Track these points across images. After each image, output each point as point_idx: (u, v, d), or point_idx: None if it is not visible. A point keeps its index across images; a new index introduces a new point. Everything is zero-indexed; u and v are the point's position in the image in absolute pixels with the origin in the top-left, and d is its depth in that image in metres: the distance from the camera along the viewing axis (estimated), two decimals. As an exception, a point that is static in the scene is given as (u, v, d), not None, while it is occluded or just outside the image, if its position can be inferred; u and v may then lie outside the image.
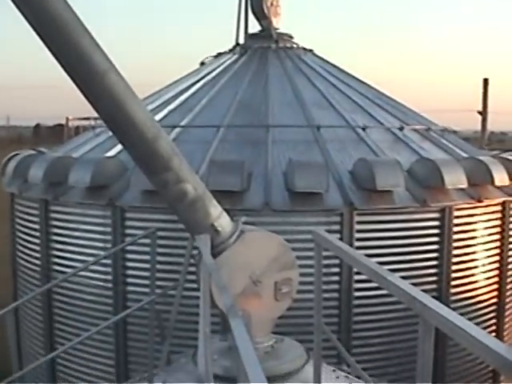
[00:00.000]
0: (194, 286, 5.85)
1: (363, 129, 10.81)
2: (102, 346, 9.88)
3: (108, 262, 9.55)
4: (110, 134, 10.27)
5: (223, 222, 5.59)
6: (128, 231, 9.39)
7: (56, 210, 10.31)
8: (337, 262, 8.95)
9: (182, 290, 6.41)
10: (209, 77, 12.93)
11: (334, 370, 6.22)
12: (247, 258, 5.60)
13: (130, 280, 9.51)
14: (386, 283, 3.59)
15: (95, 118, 12.70)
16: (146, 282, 6.55)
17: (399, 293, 3.41)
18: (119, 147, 10.17)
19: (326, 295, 8.91)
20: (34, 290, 10.03)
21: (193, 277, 6.10)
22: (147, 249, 6.45)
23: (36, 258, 10.65)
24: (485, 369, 10.69)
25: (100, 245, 9.66)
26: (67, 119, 17.74)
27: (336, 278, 9.03)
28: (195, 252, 5.96)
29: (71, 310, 10.14)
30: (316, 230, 4.97)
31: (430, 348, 3.22)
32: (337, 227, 8.88)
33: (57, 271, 10.18)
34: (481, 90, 27.02)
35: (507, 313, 11.06)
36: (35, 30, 4.00)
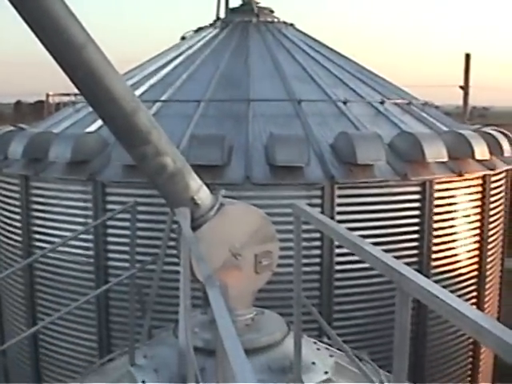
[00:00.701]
0: (175, 259, 5.84)
1: (344, 103, 10.81)
2: (85, 322, 9.89)
3: (89, 237, 9.55)
4: (91, 109, 10.18)
5: (203, 195, 5.57)
6: (109, 206, 9.36)
7: (36, 185, 10.27)
8: (318, 235, 8.98)
9: (163, 263, 6.40)
10: (189, 51, 12.87)
11: (314, 343, 6.25)
12: (227, 231, 5.60)
13: (111, 255, 9.51)
14: (363, 254, 3.60)
15: (75, 94, 12.63)
16: (127, 256, 6.54)
17: (377, 263, 3.42)
18: (100, 122, 10.11)
19: (308, 269, 8.95)
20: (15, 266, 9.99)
21: (173, 251, 6.10)
22: (128, 224, 6.43)
23: (17, 234, 10.61)
24: (465, 341, 10.79)
25: (81, 220, 9.64)
26: (47, 95, 17.66)
27: (317, 252, 9.07)
28: (175, 225, 5.95)
29: (53, 285, 10.13)
30: (295, 202, 4.97)
31: (407, 318, 3.23)
32: (318, 201, 8.90)
33: (38, 247, 10.14)
34: (463, 65, 27.09)
35: (487, 285, 11.15)
36: (10, 1, 3.96)
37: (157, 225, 8.63)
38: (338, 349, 6.21)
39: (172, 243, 6.32)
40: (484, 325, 2.53)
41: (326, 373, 5.61)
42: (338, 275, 9.20)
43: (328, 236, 8.61)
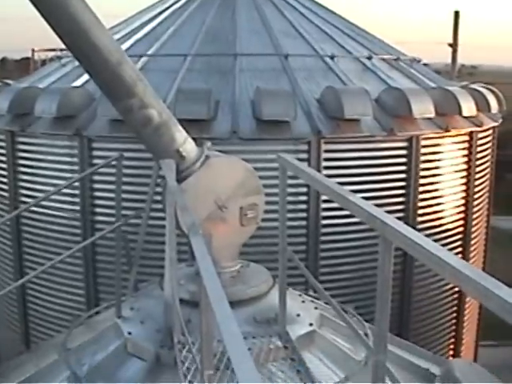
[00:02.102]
0: (161, 214, 5.85)
1: (331, 58, 10.76)
2: (72, 276, 9.92)
3: (75, 192, 9.53)
4: (77, 63, 10.11)
5: (188, 148, 5.58)
6: (95, 161, 9.32)
7: (23, 141, 10.21)
8: (304, 190, 9.00)
9: (148, 216, 6.42)
10: (176, 5, 12.72)
11: (299, 295, 6.30)
12: (212, 183, 5.61)
13: (97, 210, 9.51)
14: (347, 203, 3.61)
15: (61, 49, 12.51)
16: (114, 211, 6.54)
17: (360, 212, 3.44)
18: (86, 77, 10.04)
19: (294, 223, 8.98)
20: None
21: (159, 205, 6.12)
22: (114, 178, 6.43)
23: (3, 190, 10.58)
24: (450, 296, 10.90)
25: (67, 175, 9.59)
26: (33, 51, 17.48)
27: (304, 207, 9.10)
28: (161, 178, 5.95)
29: (40, 240, 10.13)
30: (280, 154, 4.97)
31: (390, 266, 3.26)
32: (304, 156, 8.89)
33: (24, 202, 10.11)
34: (452, 23, 26.92)
35: (473, 242, 11.22)
36: None
37: (143, 179, 8.61)
38: (323, 302, 6.26)
39: (158, 197, 6.34)
40: (465, 271, 2.55)
41: (311, 325, 5.66)
42: (325, 230, 9.23)
43: (314, 190, 8.72)
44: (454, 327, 11.21)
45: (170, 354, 5.13)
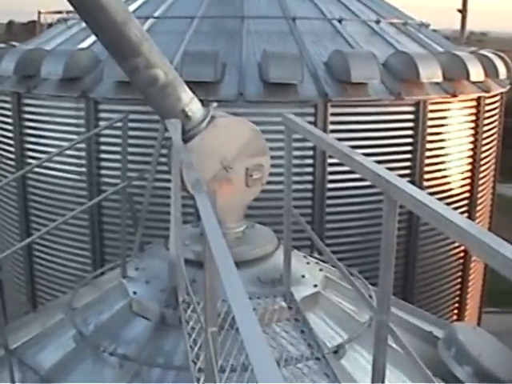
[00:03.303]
0: (166, 176, 5.85)
1: (339, 21, 10.68)
2: (78, 238, 9.97)
3: (82, 154, 9.53)
4: (83, 25, 10.15)
5: (194, 108, 5.57)
6: (101, 123, 9.31)
7: (29, 103, 10.19)
8: (311, 153, 8.99)
9: (154, 176, 6.43)
10: (183, -33, 12.61)
11: (304, 257, 6.31)
12: (218, 144, 5.60)
13: (103, 172, 9.51)
14: (352, 163, 3.60)
15: (68, 12, 12.44)
16: (120, 172, 6.55)
17: (365, 172, 3.42)
18: (92, 39, 10.02)
19: (300, 186, 8.99)
20: (8, 183, 9.99)
21: (165, 167, 6.12)
22: (120, 140, 6.43)
23: (9, 152, 10.58)
24: (455, 261, 10.92)
25: (73, 137, 9.58)
26: (39, 13, 17.39)
27: (310, 170, 9.08)
28: (167, 139, 5.95)
29: (46, 202, 10.16)
30: (286, 114, 4.95)
31: (394, 225, 3.26)
32: (311, 119, 8.84)
33: (31, 164, 10.12)
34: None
35: (478, 208, 11.21)
36: None
37: (149, 141, 8.61)
38: (328, 264, 6.28)
39: (164, 159, 6.34)
40: (469, 230, 2.55)
41: (316, 286, 5.68)
42: (330, 194, 9.23)
43: (320, 154, 8.71)
44: (458, 292, 11.25)
45: (175, 314, 5.16)
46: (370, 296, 5.61)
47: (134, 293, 5.63)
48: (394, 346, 4.59)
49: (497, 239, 2.48)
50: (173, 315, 5.20)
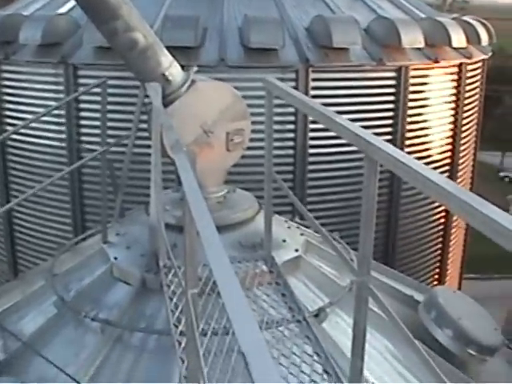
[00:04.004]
0: (147, 140, 5.82)
1: (321, -14, 10.59)
2: (58, 205, 9.92)
3: (61, 120, 9.45)
4: (62, -11, 10.04)
5: (174, 72, 5.53)
6: (81, 89, 9.20)
7: (7, 69, 10.07)
8: (292, 119, 8.97)
9: (134, 142, 6.39)
10: None
11: (285, 221, 6.32)
12: (198, 108, 5.57)
13: (83, 138, 9.45)
14: (332, 124, 3.58)
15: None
16: (100, 139, 6.50)
17: (345, 133, 3.41)
18: (71, 3, 9.88)
19: (281, 152, 8.97)
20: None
21: (145, 134, 6.09)
22: (99, 106, 6.37)
23: (-12, 119, 10.48)
24: (436, 227, 10.98)
25: (53, 104, 9.47)
26: (17, -22, 17.11)
27: (291, 135, 9.06)
28: (147, 104, 5.92)
29: (26, 170, 10.08)
30: (267, 77, 4.92)
31: (375, 186, 3.24)
32: (292, 84, 8.78)
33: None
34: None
35: (459, 174, 11.25)
36: None
37: (129, 107, 8.53)
38: (309, 229, 6.29)
39: (144, 125, 6.31)
40: (450, 189, 2.55)
41: (297, 250, 5.69)
42: (312, 158, 9.22)
43: (301, 119, 8.69)
44: (438, 258, 11.32)
45: (156, 279, 5.16)
46: (352, 260, 5.62)
47: (115, 258, 5.62)
48: (375, 309, 4.63)
49: (477, 198, 2.47)
50: (154, 280, 5.20)
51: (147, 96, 5.45)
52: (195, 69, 5.76)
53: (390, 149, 3.02)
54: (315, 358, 4.34)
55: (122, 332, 5.06)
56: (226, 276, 2.09)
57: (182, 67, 5.73)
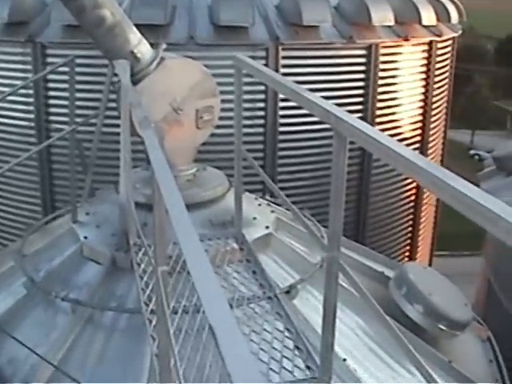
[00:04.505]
0: (116, 120, 5.77)
1: (291, -37, 10.53)
2: (27, 185, 9.81)
3: (29, 100, 9.35)
4: (27, -34, 9.86)
5: (143, 49, 5.50)
6: (49, 69, 9.11)
7: (-27, 47, 9.91)
8: (262, 97, 8.94)
9: (103, 121, 6.34)
10: None
11: (256, 199, 6.31)
12: (168, 85, 5.54)
13: (52, 118, 9.35)
14: (302, 100, 3.58)
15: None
16: (69, 119, 6.44)
17: (315, 108, 3.40)
18: (38, -19, 9.75)
19: (252, 130, 8.95)
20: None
21: (114, 113, 6.04)
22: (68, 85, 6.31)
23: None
24: (407, 204, 11.04)
25: (20, 83, 9.38)
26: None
27: (261, 114, 9.04)
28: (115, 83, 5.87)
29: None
30: (237, 55, 4.89)
31: (344, 161, 3.25)
32: (262, 62, 8.73)
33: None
34: None
35: (429, 151, 11.30)
36: None
37: (97, 86, 8.45)
38: (279, 206, 6.30)
39: (113, 105, 6.26)
40: (419, 163, 2.55)
41: (267, 227, 5.69)
42: (282, 137, 9.21)
43: (272, 98, 8.67)
44: (409, 235, 11.39)
45: (126, 257, 5.15)
46: (322, 237, 5.63)
47: (85, 237, 5.59)
48: (346, 286, 4.65)
49: (446, 172, 2.48)
50: (124, 259, 5.19)
51: (116, 75, 5.41)
52: (164, 46, 5.73)
53: (359, 124, 3.02)
54: (286, 334, 4.36)
55: (92, 312, 5.04)
56: (195, 254, 2.08)
57: (152, 45, 5.70)
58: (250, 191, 6.50)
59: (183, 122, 5.62)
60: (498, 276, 9.00)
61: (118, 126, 5.17)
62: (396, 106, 10.23)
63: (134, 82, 5.36)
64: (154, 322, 4.01)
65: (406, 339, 3.06)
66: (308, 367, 4.02)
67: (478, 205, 2.17)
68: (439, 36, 10.66)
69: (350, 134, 3.03)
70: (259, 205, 6.17)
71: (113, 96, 6.26)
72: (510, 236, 2.04)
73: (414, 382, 4.85)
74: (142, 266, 4.72)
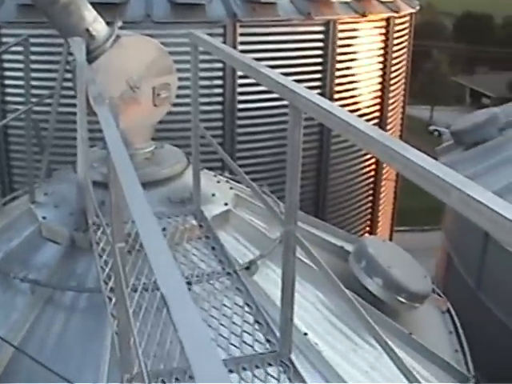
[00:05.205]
0: (72, 99, 5.71)
1: None
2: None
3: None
4: None
5: (98, 27, 5.44)
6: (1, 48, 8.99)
7: None
8: (220, 74, 8.91)
9: (59, 100, 6.27)
10: None
11: (214, 176, 6.30)
12: (124, 63, 5.49)
13: (8, 98, 9.25)
14: (258, 75, 3.57)
15: None
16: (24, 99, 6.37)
17: (271, 83, 3.40)
18: (-10, -40, 9.60)
19: (210, 108, 8.93)
20: None
21: (70, 92, 5.97)
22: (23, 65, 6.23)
23: None
24: (367, 179, 11.11)
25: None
26: None
27: (219, 91, 9.02)
28: (71, 59, 5.80)
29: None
30: (193, 31, 4.88)
31: (300, 135, 3.26)
32: (220, 39, 8.74)
33: None
34: None
35: (388, 127, 11.38)
36: None
37: (53, 65, 8.36)
38: (238, 182, 6.30)
39: (69, 84, 6.19)
40: (372, 134, 2.57)
41: (226, 204, 5.69)
42: (241, 114, 9.20)
43: (230, 75, 8.65)
44: (370, 211, 11.48)
45: (85, 237, 5.11)
46: (282, 213, 5.65)
47: (44, 218, 5.54)
48: (306, 261, 4.68)
49: (399, 143, 2.50)
50: (83, 238, 5.15)
51: (71, 54, 5.35)
52: (120, 23, 5.67)
53: (314, 97, 3.03)
54: (246, 309, 4.37)
55: (52, 292, 5.00)
56: (150, 231, 2.08)
57: (108, 24, 5.65)
58: (211, 169, 6.49)
59: (140, 100, 5.58)
60: (456, 249, 9.11)
61: (74, 105, 5.12)
62: (354, 82, 10.28)
63: (90, 61, 5.30)
64: (113, 300, 4.00)
65: (366, 312, 3.09)
66: (268, 341, 4.04)
67: (430, 174, 2.20)
68: (397, 12, 10.72)
69: (305, 108, 3.04)
70: (218, 182, 6.17)
71: (69, 75, 6.18)
72: (462, 205, 2.07)
73: (374, 354, 4.90)
74: (101, 244, 4.71)
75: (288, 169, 3.34)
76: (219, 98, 9.05)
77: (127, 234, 3.93)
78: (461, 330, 6.16)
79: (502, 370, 7.34)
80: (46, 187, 6.09)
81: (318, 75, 9.67)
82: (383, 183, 11.62)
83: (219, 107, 9.09)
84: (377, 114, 10.90)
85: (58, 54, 7.56)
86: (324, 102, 2.94)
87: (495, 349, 7.42)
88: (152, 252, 1.93)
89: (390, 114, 11.32)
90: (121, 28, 5.73)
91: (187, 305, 1.57)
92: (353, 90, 10.26)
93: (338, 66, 9.82)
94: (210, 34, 8.34)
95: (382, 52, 10.74)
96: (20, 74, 8.30)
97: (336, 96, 9.87)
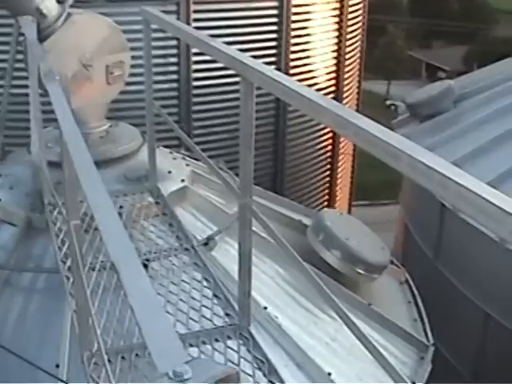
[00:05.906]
0: (24, 80, 5.65)
1: None
2: None
3: None
4: None
5: (49, 5, 5.38)
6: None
7: None
8: (175, 51, 8.85)
9: (11, 82, 6.20)
10: None
11: (170, 153, 6.30)
12: (76, 41, 5.44)
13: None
14: (210, 49, 3.58)
15: None
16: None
17: (222, 56, 3.41)
18: None
19: (165, 86, 8.88)
20: None
21: (23, 73, 5.91)
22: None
23: None
24: (324, 154, 11.17)
25: None
26: None
27: (174, 68, 8.96)
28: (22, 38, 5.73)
29: None
30: (145, 7, 4.85)
31: (252, 108, 3.27)
32: (174, 17, 8.67)
33: None
34: None
35: (345, 101, 11.42)
36: None
37: (2, 46, 8.23)
38: (195, 159, 6.30)
39: (21, 64, 6.12)
40: (321, 103, 2.59)
41: (183, 181, 5.69)
42: (197, 91, 9.15)
43: (184, 49, 8.60)
44: (327, 185, 11.53)
45: (42, 217, 5.08)
46: (239, 188, 5.66)
47: (-1, 200, 5.49)
48: (264, 235, 4.71)
49: (349, 111, 2.53)
50: (39, 219, 5.12)
51: (22, 34, 5.29)
52: (71, 1, 5.61)
53: (266, 69, 3.04)
54: (205, 283, 4.40)
55: (10, 274, 4.97)
56: (103, 209, 2.08)
57: (59, 2, 5.58)
58: (168, 147, 6.48)
59: (93, 78, 5.54)
60: (414, 220, 9.23)
61: (27, 86, 5.07)
62: (309, 56, 10.26)
63: (42, 40, 5.26)
64: (71, 280, 3.99)
65: (325, 284, 3.13)
66: (227, 314, 4.07)
67: (380, 141, 2.23)
68: (351, -14, 10.72)
69: (256, 79, 3.05)
70: (174, 159, 6.16)
71: (20, 55, 6.10)
72: (411, 169, 2.10)
73: (334, 325, 4.95)
74: (58, 224, 4.69)
75: (241, 141, 3.36)
76: (174, 76, 9.00)
77: (84, 213, 3.93)
78: (419, 300, 6.24)
79: (460, 337, 7.47)
80: (0, 169, 6.03)
81: (273, 50, 9.63)
82: (341, 157, 11.68)
83: (175, 85, 9.03)
84: (333, 88, 10.92)
85: (9, 34, 7.48)
86: (274, 73, 2.97)
87: (453, 317, 7.55)
88: (103, 225, 1.94)
89: (345, 89, 11.34)
90: (72, 6, 5.67)
91: (137, 270, 1.58)
92: (308, 64, 10.24)
93: (293, 40, 9.78)
94: (164, 12, 8.39)
95: (336, 26, 10.73)
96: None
97: (292, 71, 9.84)
